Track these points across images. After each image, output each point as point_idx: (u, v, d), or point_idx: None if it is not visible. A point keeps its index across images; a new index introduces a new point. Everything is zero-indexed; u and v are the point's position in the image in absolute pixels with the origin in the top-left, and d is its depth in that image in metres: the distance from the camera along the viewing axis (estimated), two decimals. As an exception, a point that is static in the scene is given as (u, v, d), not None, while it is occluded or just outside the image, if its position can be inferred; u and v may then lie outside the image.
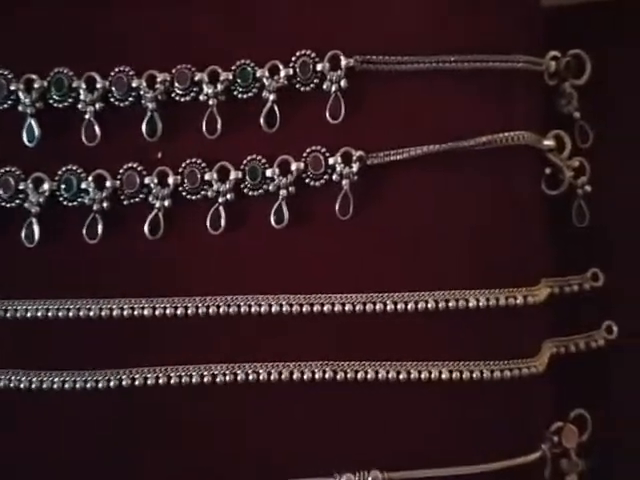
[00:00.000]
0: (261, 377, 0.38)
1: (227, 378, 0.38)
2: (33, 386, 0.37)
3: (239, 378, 0.38)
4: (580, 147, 0.43)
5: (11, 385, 0.37)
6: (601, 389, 0.43)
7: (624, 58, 0.44)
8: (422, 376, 0.38)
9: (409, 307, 0.38)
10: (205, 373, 0.38)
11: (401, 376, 0.38)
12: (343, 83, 0.38)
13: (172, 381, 0.38)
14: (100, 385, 0.37)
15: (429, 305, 0.38)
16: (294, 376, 0.38)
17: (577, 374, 0.43)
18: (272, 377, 0.38)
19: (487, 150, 0.39)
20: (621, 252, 0.43)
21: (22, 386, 0.37)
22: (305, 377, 0.38)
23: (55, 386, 0.37)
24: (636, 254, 0.43)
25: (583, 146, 0.43)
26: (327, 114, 0.38)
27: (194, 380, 0.38)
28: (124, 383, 0.37)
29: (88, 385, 0.37)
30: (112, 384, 0.37)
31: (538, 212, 0.41)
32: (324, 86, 0.38)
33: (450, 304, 0.39)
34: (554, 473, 0.42)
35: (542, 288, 0.41)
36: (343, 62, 0.38)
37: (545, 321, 0.41)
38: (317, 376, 0.38)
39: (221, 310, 0.38)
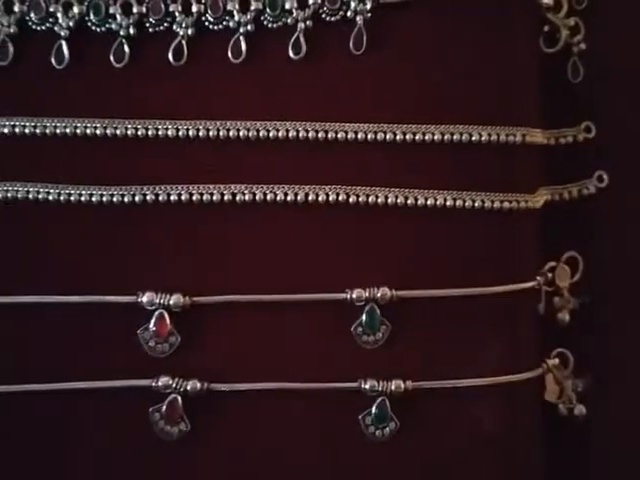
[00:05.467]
0: (279, 197, 0.40)
1: (241, 197, 0.40)
2: (40, 197, 0.39)
3: (253, 197, 0.40)
4: (575, 8, 0.46)
5: (29, 197, 0.39)
6: (592, 234, 0.45)
7: None
8: (428, 203, 0.41)
9: (417, 138, 0.41)
10: (215, 192, 0.40)
11: (409, 202, 0.41)
12: None
13: (171, 198, 0.39)
14: (109, 199, 0.39)
15: (435, 137, 0.41)
16: (301, 197, 0.40)
17: (570, 220, 0.45)
18: (278, 198, 0.40)
19: (489, 2, 0.42)
20: (612, 106, 0.46)
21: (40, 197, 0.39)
22: (319, 199, 0.40)
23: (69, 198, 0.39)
24: (626, 108, 0.46)
25: (578, 7, 0.46)
26: (341, -43, 0.41)
27: (194, 198, 0.39)
28: (114, 200, 0.39)
29: (101, 199, 0.39)
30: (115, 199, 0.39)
31: (535, 65, 0.44)
32: None
33: (455, 137, 0.41)
34: (547, 310, 0.45)
35: (539, 134, 0.44)
36: None
37: (541, 164, 0.44)
38: (331, 198, 0.40)
39: (241, 134, 0.40)
